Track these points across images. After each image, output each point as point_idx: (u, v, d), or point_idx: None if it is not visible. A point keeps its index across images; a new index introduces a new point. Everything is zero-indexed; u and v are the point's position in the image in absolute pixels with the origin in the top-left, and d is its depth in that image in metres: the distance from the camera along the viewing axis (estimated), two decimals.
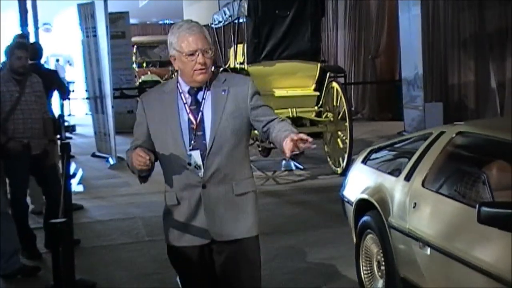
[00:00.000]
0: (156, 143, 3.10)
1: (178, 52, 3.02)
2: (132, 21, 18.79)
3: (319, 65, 9.85)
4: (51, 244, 5.13)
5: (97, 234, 6.96)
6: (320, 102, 9.73)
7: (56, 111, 8.01)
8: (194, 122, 3.05)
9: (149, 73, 21.72)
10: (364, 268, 4.71)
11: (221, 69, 10.45)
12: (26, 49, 6.06)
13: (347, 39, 16.89)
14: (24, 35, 9.40)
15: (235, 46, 10.85)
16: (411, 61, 12.02)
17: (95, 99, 11.83)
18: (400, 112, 12.91)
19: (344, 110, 9.34)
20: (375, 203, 4.41)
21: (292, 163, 10.04)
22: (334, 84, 9.66)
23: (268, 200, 7.93)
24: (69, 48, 25.56)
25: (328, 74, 9.84)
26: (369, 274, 4.65)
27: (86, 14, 11.55)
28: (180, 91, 3.10)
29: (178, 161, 3.04)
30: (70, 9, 15.94)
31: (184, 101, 3.08)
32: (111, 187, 9.30)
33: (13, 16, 12.69)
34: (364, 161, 5.04)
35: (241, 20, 10.51)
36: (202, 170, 3.03)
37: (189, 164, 3.03)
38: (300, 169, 9.92)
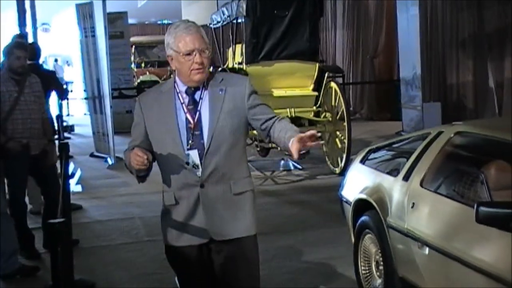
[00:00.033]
0: (154, 143, 3.11)
1: (175, 52, 3.03)
2: (130, 21, 18.79)
3: (317, 65, 9.85)
4: (49, 244, 5.12)
5: (96, 234, 6.96)
6: (319, 102, 9.73)
7: (54, 112, 8.00)
8: (192, 121, 3.05)
9: (147, 73, 21.73)
10: (362, 268, 4.71)
11: (220, 69, 10.45)
12: (25, 49, 6.06)
13: (346, 39, 16.90)
14: (22, 35, 9.41)
15: (234, 46, 10.85)
16: (410, 61, 12.03)
17: (94, 99, 11.83)
18: (399, 112, 12.92)
19: (343, 110, 9.35)
20: (374, 203, 4.41)
21: (291, 163, 10.05)
22: (333, 84, 9.66)
23: (266, 200, 7.94)
24: (68, 48, 25.56)
25: (326, 74, 9.84)
26: (368, 274, 4.66)
27: (85, 14, 11.55)
28: (178, 91, 3.10)
29: (176, 161, 3.04)
30: (68, 9, 15.95)
31: (182, 101, 3.09)
32: (110, 187, 9.30)
33: (11, 16, 12.69)
34: (362, 161, 5.05)
35: (239, 20, 10.52)
36: (200, 169, 3.04)
37: (187, 163, 3.03)
38: (299, 169, 9.92)
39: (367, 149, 5.20)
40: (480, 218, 3.13)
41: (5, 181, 5.78)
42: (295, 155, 2.86)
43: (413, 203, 3.97)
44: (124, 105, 14.67)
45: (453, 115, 11.46)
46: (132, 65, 19.24)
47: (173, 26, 3.07)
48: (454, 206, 3.63)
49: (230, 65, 10.77)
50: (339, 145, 9.43)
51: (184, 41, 2.99)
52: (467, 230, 3.42)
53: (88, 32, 11.55)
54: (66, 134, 7.28)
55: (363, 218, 4.59)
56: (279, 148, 9.64)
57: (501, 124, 4.26)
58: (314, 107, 9.73)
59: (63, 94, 8.73)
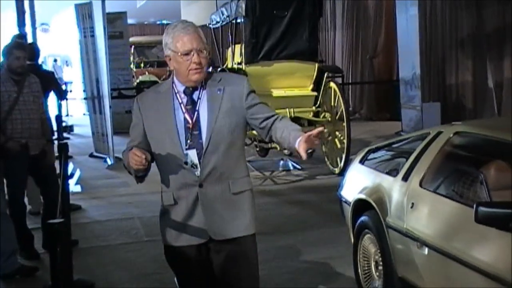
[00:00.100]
0: (152, 143, 3.11)
1: (173, 52, 3.03)
2: (130, 21, 18.80)
3: (317, 65, 9.85)
4: (49, 244, 5.12)
5: (96, 234, 6.96)
6: (318, 102, 9.73)
7: (53, 112, 8.00)
8: (190, 121, 3.06)
9: (147, 73, 21.72)
10: (362, 268, 4.71)
11: (219, 69, 10.46)
12: (24, 49, 6.06)
13: (345, 39, 16.90)
14: (22, 36, 9.41)
15: (233, 46, 10.85)
16: (409, 61, 12.03)
17: (93, 100, 11.82)
18: (398, 112, 12.92)
19: (342, 110, 9.35)
20: (373, 203, 4.41)
21: (290, 163, 10.05)
22: (332, 84, 9.66)
23: (266, 200, 7.94)
24: (67, 48, 25.54)
25: (326, 74, 9.84)
26: (367, 274, 4.66)
27: (84, 14, 11.55)
28: (176, 91, 3.11)
29: (174, 161, 3.05)
30: (67, 9, 15.95)
31: (180, 101, 3.09)
32: (109, 187, 9.30)
33: (11, 16, 12.69)
34: (362, 161, 5.05)
35: (239, 20, 10.52)
36: (199, 169, 3.04)
37: (186, 163, 3.04)
38: (298, 169, 9.92)
39: (366, 149, 5.20)
40: (479, 218, 3.13)
41: (5, 181, 5.78)
42: (304, 156, 2.86)
43: (413, 203, 3.97)
44: (123, 105, 14.66)
45: (453, 115, 11.47)
46: (132, 65, 19.24)
47: (171, 27, 3.07)
48: (453, 206, 3.63)
49: (230, 65, 10.77)
50: (339, 145, 9.43)
51: (182, 41, 3.00)
52: (466, 230, 3.42)
53: (87, 32, 11.55)
54: (65, 134, 7.28)
55: (363, 218, 4.59)
56: (278, 148, 9.79)
57: (501, 124, 4.26)
58: (314, 107, 9.73)
59: (61, 95, 8.74)
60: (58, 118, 6.62)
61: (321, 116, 9.70)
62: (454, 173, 3.86)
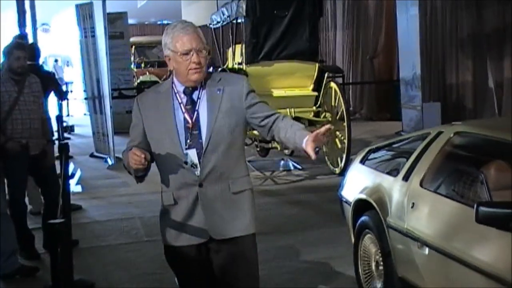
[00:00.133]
0: (152, 143, 3.12)
1: (172, 52, 3.04)
2: (130, 21, 18.82)
3: (317, 65, 9.85)
4: (49, 244, 5.13)
5: (96, 234, 6.96)
6: (318, 102, 9.73)
7: (53, 112, 8.00)
8: (190, 121, 3.06)
9: (147, 73, 21.73)
10: (362, 268, 4.71)
11: (220, 69, 10.46)
12: (24, 49, 6.06)
13: (345, 39, 16.90)
14: (23, 36, 9.42)
15: (234, 46, 10.85)
16: (409, 61, 12.03)
17: (94, 100, 11.82)
18: (398, 112, 12.92)
19: (342, 110, 9.35)
20: (373, 203, 4.41)
21: (291, 163, 10.05)
22: (332, 84, 9.67)
23: (266, 200, 7.94)
24: (68, 48, 25.55)
25: (326, 74, 9.84)
26: (368, 274, 4.66)
27: (85, 14, 11.55)
28: (176, 91, 3.11)
29: (174, 161, 3.05)
30: (68, 10, 15.95)
31: (180, 101, 3.10)
32: (110, 187, 9.30)
33: (11, 17, 12.70)
34: (362, 161, 5.05)
35: (239, 20, 10.52)
36: (199, 168, 3.04)
37: (186, 163, 3.04)
38: (299, 169, 9.92)
39: (367, 149, 5.20)
40: (479, 218, 3.13)
41: (5, 181, 5.78)
42: (313, 155, 2.87)
43: (413, 203, 3.97)
44: (124, 105, 14.66)
45: (453, 115, 11.47)
46: (132, 66, 19.24)
47: (170, 27, 3.08)
48: (453, 206, 3.63)
49: (230, 65, 10.77)
50: (339, 145, 9.43)
51: (181, 41, 3.00)
52: (466, 230, 3.42)
53: (88, 32, 11.55)
54: (66, 135, 7.28)
55: (363, 218, 4.59)
56: (279, 148, 9.79)
57: (501, 124, 4.26)
58: (314, 107, 9.73)
59: (62, 96, 8.74)
60: (59, 118, 6.63)
61: (322, 116, 9.70)
62: (455, 173, 3.86)
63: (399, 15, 12.42)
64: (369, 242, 4.59)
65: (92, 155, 12.00)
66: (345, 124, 9.21)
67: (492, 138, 3.81)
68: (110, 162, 10.91)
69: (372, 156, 5.02)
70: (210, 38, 12.91)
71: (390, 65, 15.56)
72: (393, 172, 4.42)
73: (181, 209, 3.11)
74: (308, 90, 9.83)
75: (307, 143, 2.88)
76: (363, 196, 4.61)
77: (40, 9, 13.90)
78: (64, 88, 16.25)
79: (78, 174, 9.61)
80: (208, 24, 12.34)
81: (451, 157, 4.06)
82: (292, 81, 9.75)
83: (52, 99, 8.46)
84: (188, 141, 3.05)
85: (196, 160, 3.03)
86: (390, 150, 5.00)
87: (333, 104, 9.60)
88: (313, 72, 9.79)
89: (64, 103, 12.54)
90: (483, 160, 3.75)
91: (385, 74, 15.86)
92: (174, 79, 3.13)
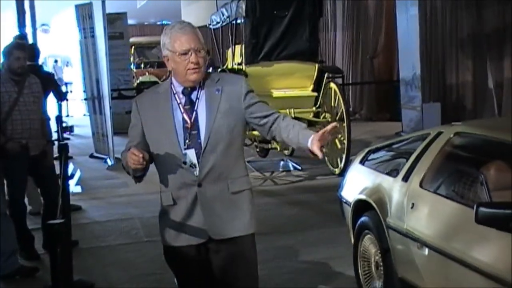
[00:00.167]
0: (151, 143, 3.12)
1: (171, 52, 3.04)
2: (130, 21, 18.81)
3: (317, 65, 9.85)
4: (49, 245, 5.12)
5: (96, 235, 6.96)
6: (318, 103, 9.73)
7: (52, 113, 7.99)
8: (189, 121, 3.07)
9: (147, 74, 21.75)
10: (362, 268, 4.71)
11: (219, 69, 10.45)
12: (24, 49, 6.06)
13: (345, 39, 16.89)
14: (23, 36, 9.42)
15: (233, 46, 10.85)
16: (409, 62, 12.03)
17: (93, 100, 11.82)
18: (398, 112, 12.91)
19: (342, 110, 9.34)
20: (373, 204, 4.41)
21: (290, 164, 10.05)
22: (332, 85, 9.66)
23: (266, 201, 7.94)
24: (67, 48, 25.56)
25: (326, 75, 9.84)
26: (367, 275, 4.66)
27: (84, 14, 11.55)
28: (174, 91, 3.12)
29: (173, 161, 3.05)
30: (68, 10, 15.95)
31: (178, 101, 3.10)
32: (109, 187, 9.30)
33: (11, 17, 12.70)
34: (362, 162, 5.04)
35: (239, 21, 10.51)
36: (198, 168, 3.05)
37: (184, 163, 3.04)
38: (298, 169, 9.92)
39: (366, 150, 5.20)
40: (479, 218, 3.13)
41: (5, 181, 5.78)
42: (320, 155, 2.89)
43: (413, 204, 3.97)
44: (123, 105, 14.65)
45: (453, 115, 11.46)
46: (132, 66, 19.25)
47: (169, 27, 3.09)
48: (453, 207, 3.63)
49: (230, 66, 10.76)
50: (339, 146, 9.43)
51: (179, 41, 3.01)
52: (466, 231, 3.42)
53: (87, 32, 11.55)
54: (65, 135, 7.28)
55: (363, 218, 4.58)
56: (278, 149, 9.78)
57: (501, 125, 4.26)
58: (314, 108, 9.73)
59: (61, 96, 8.74)
60: (58, 118, 6.62)
61: (321, 117, 9.70)
62: (454, 174, 3.86)
63: (399, 15, 12.41)
64: (368, 243, 4.59)
65: (91, 156, 12.00)
66: (345, 124, 9.21)
67: (492, 138, 3.81)
68: (109, 162, 10.91)
69: (372, 156, 5.02)
70: (210, 38, 12.92)
71: (390, 66, 15.56)
72: (393, 173, 4.42)
73: (180, 209, 3.11)
74: (307, 90, 9.82)
75: (313, 142, 2.89)
76: (362, 196, 4.61)
77: (40, 10, 13.91)
78: (63, 88, 16.27)
79: (77, 174, 9.61)
80: (207, 25, 12.34)
81: (451, 158, 4.06)
82: (291, 81, 9.75)
83: (51, 99, 8.47)
84: (187, 141, 3.05)
85: (194, 160, 3.03)
86: (390, 151, 5.00)
87: (332, 104, 9.59)
88: (313, 73, 9.79)
89: (64, 103, 12.53)
90: (483, 160, 3.74)
91: (385, 75, 15.86)
92: (173, 79, 3.13)
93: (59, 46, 27.19)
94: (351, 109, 15.41)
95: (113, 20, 14.80)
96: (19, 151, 5.71)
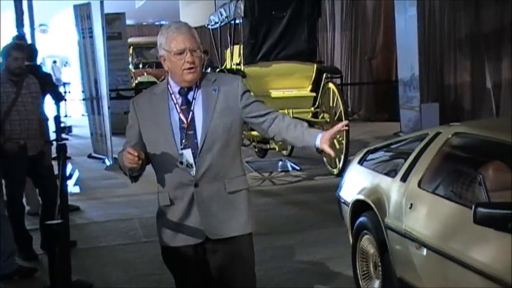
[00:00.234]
0: (148, 144, 3.12)
1: (167, 52, 3.05)
2: (128, 22, 18.80)
3: (315, 66, 9.86)
4: (47, 245, 5.13)
5: (94, 235, 6.95)
6: (317, 103, 9.74)
7: (50, 113, 7.99)
8: (185, 121, 3.07)
9: (145, 74, 21.74)
10: (360, 268, 4.71)
11: (218, 70, 10.45)
12: (22, 50, 6.06)
13: (344, 39, 16.90)
14: (21, 37, 9.41)
15: (232, 47, 10.86)
16: (408, 62, 12.04)
17: (92, 100, 11.82)
18: (397, 112, 12.92)
19: (341, 111, 9.35)
20: (372, 204, 4.41)
21: (289, 164, 10.06)
22: (331, 85, 9.67)
23: (265, 201, 7.94)
24: (66, 49, 25.56)
25: (324, 75, 9.85)
26: (366, 275, 4.66)
27: (83, 15, 11.54)
28: (171, 92, 3.12)
29: (170, 161, 3.06)
30: (66, 10, 15.96)
31: (175, 102, 3.10)
32: (108, 188, 9.29)
33: (9, 17, 12.69)
34: (360, 162, 5.05)
35: (237, 21, 10.52)
36: (194, 168, 3.05)
37: (181, 163, 3.04)
38: (297, 169, 9.92)
39: (365, 150, 5.20)
40: (477, 219, 3.13)
41: (3, 182, 5.77)
42: (332, 153, 2.96)
43: (411, 204, 3.97)
44: (122, 106, 14.64)
45: (451, 115, 11.47)
46: (130, 66, 19.25)
47: (165, 27, 3.10)
48: (452, 207, 3.63)
49: (228, 66, 10.77)
50: (337, 146, 9.42)
51: (175, 41, 3.01)
52: (465, 231, 3.42)
53: (86, 33, 11.54)
54: (64, 135, 7.27)
55: (361, 219, 4.59)
56: (277, 149, 9.78)
57: (499, 125, 4.26)
58: (312, 108, 9.74)
59: (58, 97, 8.73)
60: (57, 119, 6.62)
61: (320, 117, 9.70)
62: (453, 174, 3.86)
63: (397, 15, 12.42)
64: (367, 243, 4.59)
65: (90, 156, 12.00)
66: None
67: (490, 139, 3.81)
68: (108, 163, 10.91)
69: (370, 157, 5.02)
70: (208, 38, 12.93)
71: (388, 66, 15.57)
72: (391, 173, 4.42)
73: (177, 210, 3.12)
74: (306, 90, 9.83)
75: (323, 141, 2.92)
76: (361, 197, 4.61)
77: (38, 10, 13.91)
78: (62, 89, 16.26)
79: (76, 175, 9.61)
80: (206, 25, 12.34)
81: (449, 158, 4.06)
82: (290, 81, 9.76)
83: (49, 100, 8.46)
84: (183, 141, 3.05)
85: (191, 160, 3.04)
86: (388, 151, 5.00)
87: (331, 105, 9.60)
88: (311, 73, 9.80)
89: (62, 104, 12.52)
90: (481, 160, 3.75)
91: (383, 75, 15.87)
92: (170, 79, 3.14)
93: (58, 46, 27.20)
94: (349, 109, 15.41)
95: (112, 20, 14.80)
96: (18, 152, 5.71)
